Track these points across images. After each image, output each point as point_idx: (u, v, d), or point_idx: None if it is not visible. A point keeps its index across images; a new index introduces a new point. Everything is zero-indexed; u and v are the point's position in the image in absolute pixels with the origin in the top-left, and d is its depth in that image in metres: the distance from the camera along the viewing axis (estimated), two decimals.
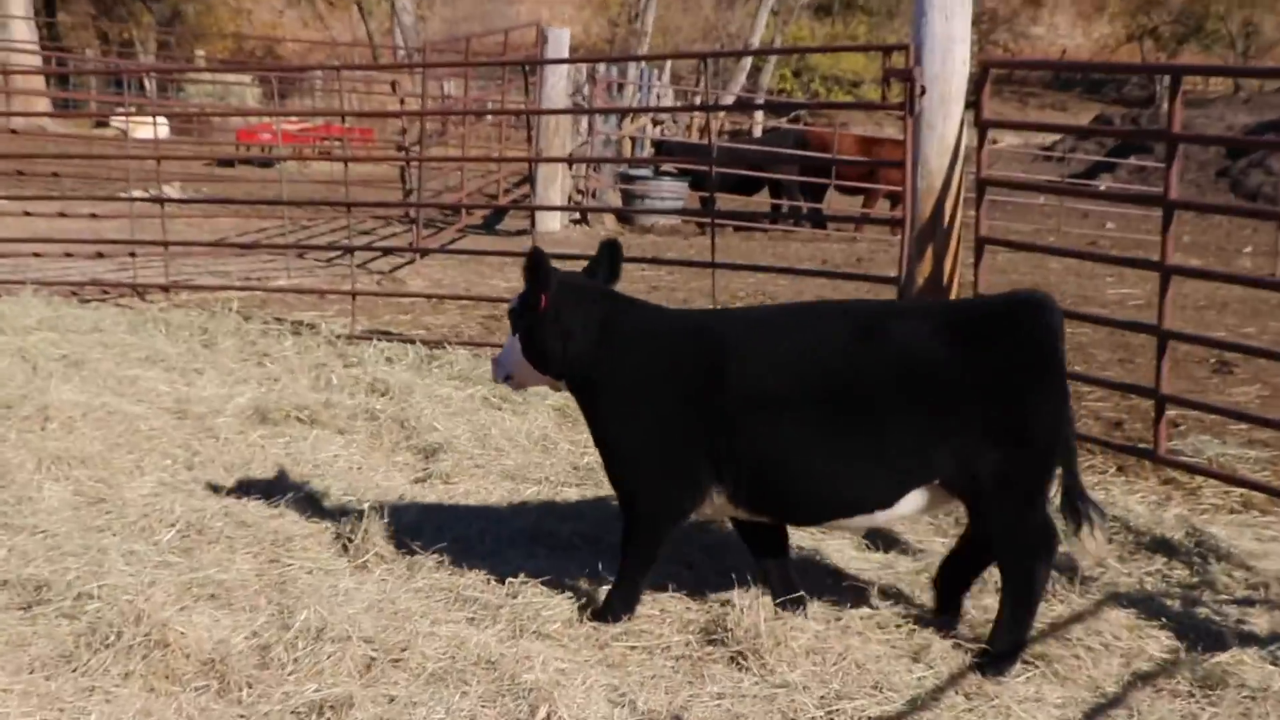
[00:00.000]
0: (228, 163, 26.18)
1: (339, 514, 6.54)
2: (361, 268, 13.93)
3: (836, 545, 6.25)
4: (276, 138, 22.94)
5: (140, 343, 10.13)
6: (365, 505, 6.59)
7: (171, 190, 19.70)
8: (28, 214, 13.63)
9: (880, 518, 5.13)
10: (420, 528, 6.34)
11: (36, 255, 13.17)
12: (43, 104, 27.83)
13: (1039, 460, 4.90)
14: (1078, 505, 5.10)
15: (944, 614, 5.38)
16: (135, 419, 8.03)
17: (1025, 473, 4.89)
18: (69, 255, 13.42)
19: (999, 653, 4.99)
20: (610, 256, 5.58)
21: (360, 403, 8.48)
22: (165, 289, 12.18)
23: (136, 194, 13.73)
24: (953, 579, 5.40)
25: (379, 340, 10.39)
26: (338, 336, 10.54)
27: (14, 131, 16.11)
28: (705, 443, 5.11)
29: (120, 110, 24.44)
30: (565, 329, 5.37)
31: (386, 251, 14.76)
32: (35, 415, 7.86)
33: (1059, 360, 4.93)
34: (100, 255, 13.47)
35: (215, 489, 6.76)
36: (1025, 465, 4.88)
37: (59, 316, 10.85)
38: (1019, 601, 4.97)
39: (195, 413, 8.29)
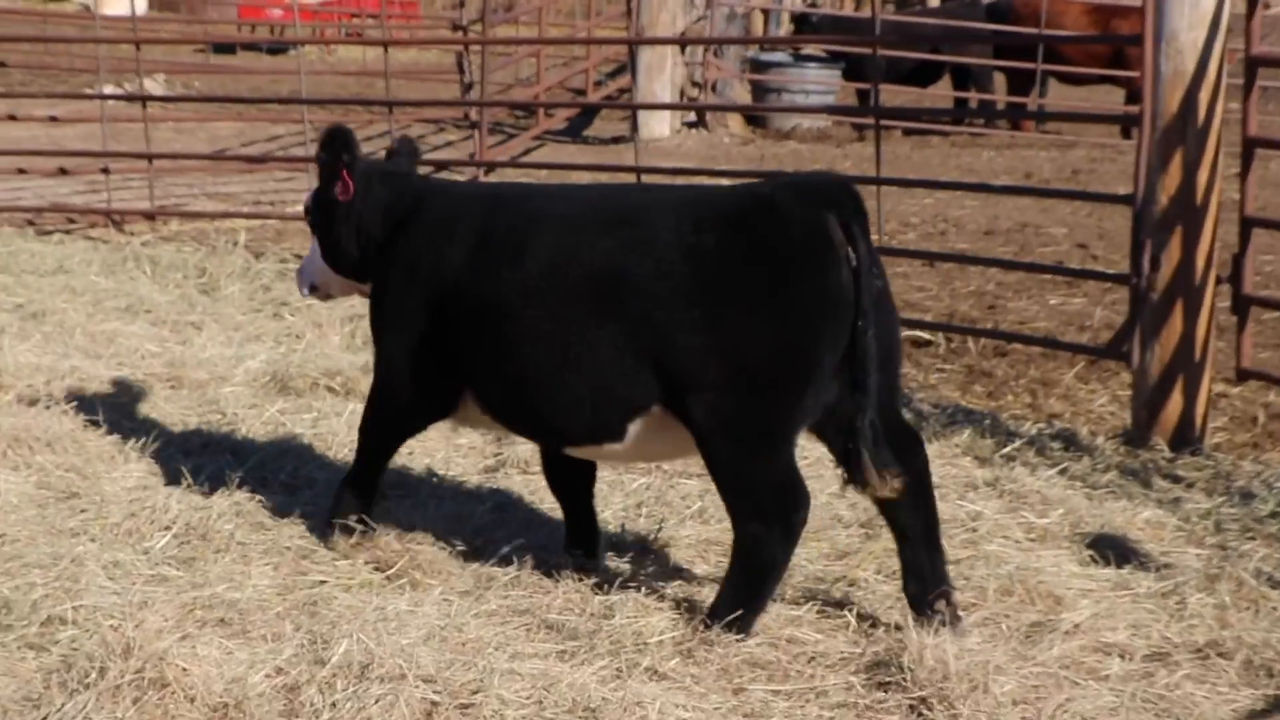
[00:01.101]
0: (227, 48, 26.56)
1: (385, 513, 6.61)
2: None
3: (1052, 556, 6.22)
4: (291, 14, 23.14)
5: (119, 288, 10.34)
6: (418, 502, 6.66)
7: (154, 86, 20.08)
8: None
9: (613, 450, 5.74)
10: (492, 531, 6.41)
11: None
12: None
13: (772, 397, 5.34)
14: (849, 447, 5.37)
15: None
16: (116, 389, 8.18)
17: (751, 411, 5.35)
18: (21, 171, 13.73)
19: (716, 624, 5.43)
20: (409, 154, 6.49)
21: None
22: (149, 216, 12.43)
23: (108, 90, 13.97)
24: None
25: None
26: None
27: None
28: (447, 340, 5.89)
29: None
30: (361, 219, 6.17)
31: (440, 165, 14.86)
32: None
33: (815, 269, 5.30)
34: (63, 171, 13.76)
35: (222, 481, 6.87)
36: (752, 402, 5.34)
37: (11, 253, 11.11)
38: (739, 570, 5.48)
39: (194, 380, 8.44)
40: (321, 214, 6.28)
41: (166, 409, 7.99)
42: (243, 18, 28.37)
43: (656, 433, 5.63)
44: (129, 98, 13.07)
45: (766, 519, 5.40)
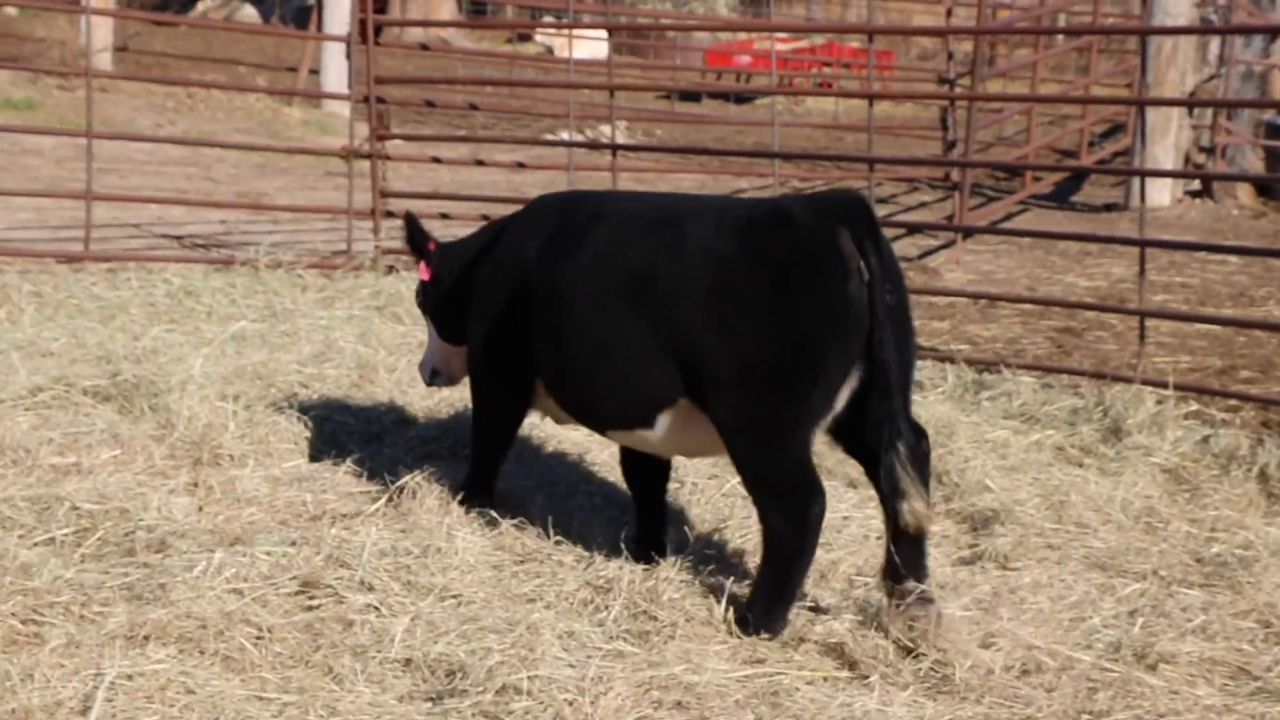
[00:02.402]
0: (691, 95, 27.13)
1: (848, 603, 6.64)
2: None
3: None
4: (759, 62, 23.54)
5: None
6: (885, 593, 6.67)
7: (616, 133, 20.68)
8: (437, 161, 14.53)
9: (647, 438, 6.74)
10: (970, 630, 6.35)
11: (444, 217, 14.08)
12: (447, 9, 29.71)
13: (778, 394, 6.18)
14: (892, 465, 6.11)
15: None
16: (575, 450, 8.46)
17: (759, 407, 6.22)
18: (485, 219, 14.28)
19: (751, 615, 6.30)
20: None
21: None
22: None
23: (570, 136, 14.42)
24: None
25: None
26: None
27: (424, 48, 17.24)
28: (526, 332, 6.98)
29: (549, 19, 25.78)
30: (464, 292, 7.35)
31: (913, 228, 14.91)
32: (442, 435, 8.39)
33: (820, 277, 6.12)
34: None
35: (678, 553, 7.00)
36: (760, 398, 6.20)
37: None
38: (766, 563, 6.33)
39: None
40: (429, 301, 7.66)
41: (617, 471, 8.16)
42: (709, 64, 28.95)
43: (687, 425, 6.55)
44: (596, 145, 13.48)
45: (783, 512, 6.24)
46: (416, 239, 7.66)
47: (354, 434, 8.58)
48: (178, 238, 14.86)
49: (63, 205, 15.32)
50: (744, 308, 6.23)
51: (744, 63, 28.01)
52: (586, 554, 7.00)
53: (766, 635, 6.23)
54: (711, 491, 7.97)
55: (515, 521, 7.29)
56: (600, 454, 8.42)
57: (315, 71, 24.17)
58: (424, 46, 17.65)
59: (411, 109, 19.48)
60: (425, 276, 7.64)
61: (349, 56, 14.04)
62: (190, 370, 9.15)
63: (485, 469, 7.45)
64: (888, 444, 6.08)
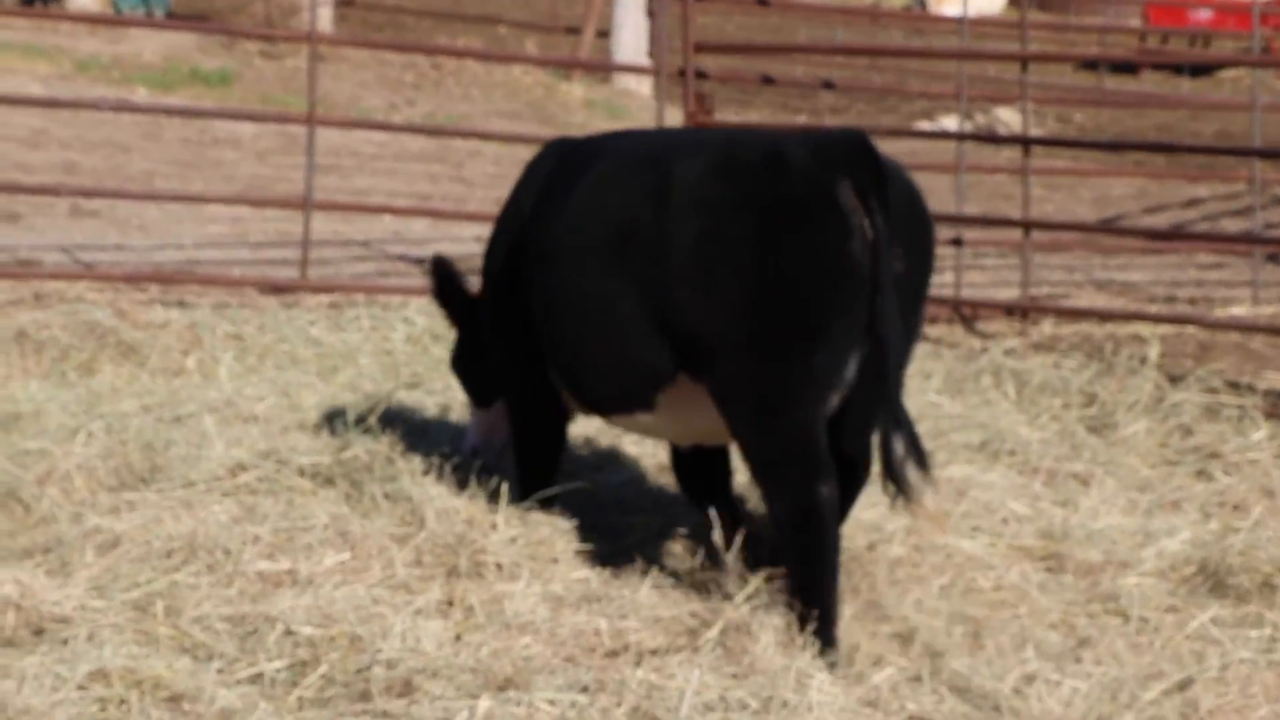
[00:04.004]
0: (1126, 67, 26.83)
1: None
2: None
3: None
4: (1239, 19, 23.17)
5: (969, 415, 10.57)
6: None
7: (1012, 118, 20.49)
8: None
9: (647, 423, 7.79)
10: None
11: None
12: None
13: (776, 361, 7.07)
14: (892, 460, 7.07)
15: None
16: (965, 564, 8.36)
17: (755, 375, 7.12)
18: None
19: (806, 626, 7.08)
20: None
21: None
22: (1012, 312, 12.62)
23: (949, 125, 14.34)
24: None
25: None
26: None
27: (762, 3, 17.30)
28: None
29: None
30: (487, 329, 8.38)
31: None
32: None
33: (815, 229, 6.95)
34: None
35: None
36: (755, 365, 7.11)
37: None
38: (791, 548, 7.25)
39: (1081, 562, 8.51)
40: (461, 361, 8.74)
41: (1041, 601, 8.07)
42: (1151, 24, 28.50)
43: (693, 402, 7.43)
44: (997, 139, 13.34)
45: (787, 496, 7.21)
46: (446, 290, 8.71)
47: (663, 536, 8.58)
48: (420, 261, 15.07)
49: (266, 215, 15.66)
50: (731, 262, 7.13)
51: (1202, 20, 27.55)
52: (978, 713, 6.92)
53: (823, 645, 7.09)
54: (1169, 629, 7.83)
55: (888, 670, 7.23)
56: (1010, 570, 8.32)
57: (604, 34, 24.39)
58: (761, 1, 17.55)
59: (738, 86, 19.54)
60: (455, 330, 8.85)
61: (651, 14, 14.13)
62: (440, 446, 9.24)
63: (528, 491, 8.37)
64: (884, 436, 7.08)
